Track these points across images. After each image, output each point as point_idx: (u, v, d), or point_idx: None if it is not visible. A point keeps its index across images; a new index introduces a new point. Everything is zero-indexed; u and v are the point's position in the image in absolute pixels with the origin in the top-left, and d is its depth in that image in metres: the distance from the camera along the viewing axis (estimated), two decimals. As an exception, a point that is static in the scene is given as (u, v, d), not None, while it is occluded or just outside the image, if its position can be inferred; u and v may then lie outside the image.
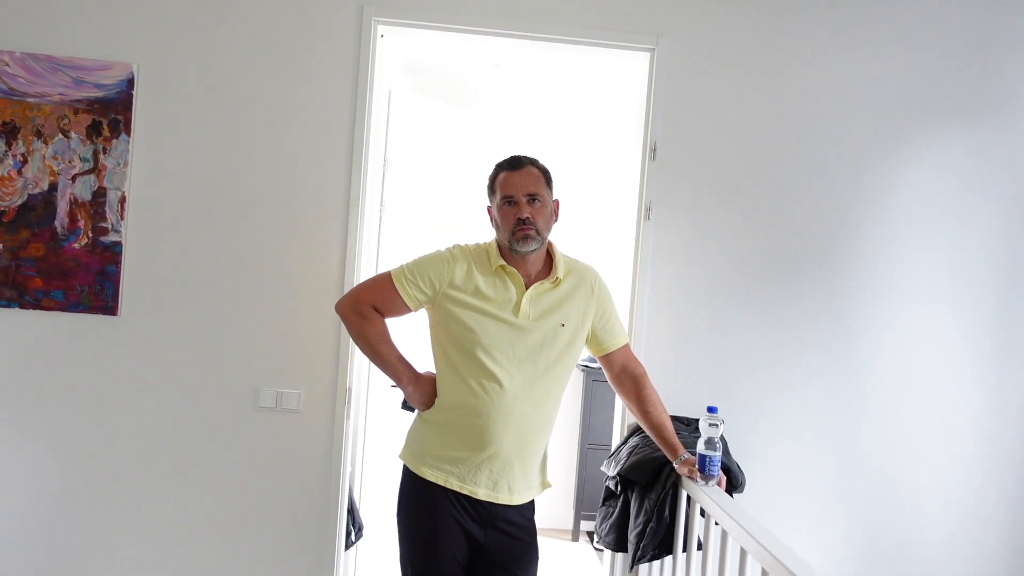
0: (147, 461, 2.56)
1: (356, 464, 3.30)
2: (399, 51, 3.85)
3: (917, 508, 2.77)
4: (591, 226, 4.34)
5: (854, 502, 2.75)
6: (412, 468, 2.05)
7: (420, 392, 2.08)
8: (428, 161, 4.45)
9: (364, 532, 2.97)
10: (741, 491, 2.45)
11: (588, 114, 4.35)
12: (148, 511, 2.56)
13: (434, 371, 2.10)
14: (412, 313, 2.11)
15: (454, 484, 2.00)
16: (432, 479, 2.01)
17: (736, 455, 2.60)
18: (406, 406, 2.15)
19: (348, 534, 2.75)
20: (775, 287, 2.72)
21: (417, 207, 4.35)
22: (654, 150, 2.64)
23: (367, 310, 2.06)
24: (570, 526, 4.44)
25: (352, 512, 3.09)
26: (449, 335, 2.03)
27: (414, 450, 2.08)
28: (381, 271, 2.15)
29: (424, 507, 2.01)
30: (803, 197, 2.74)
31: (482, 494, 1.99)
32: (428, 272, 2.04)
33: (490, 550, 2.01)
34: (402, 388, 2.09)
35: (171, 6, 2.53)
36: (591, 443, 4.30)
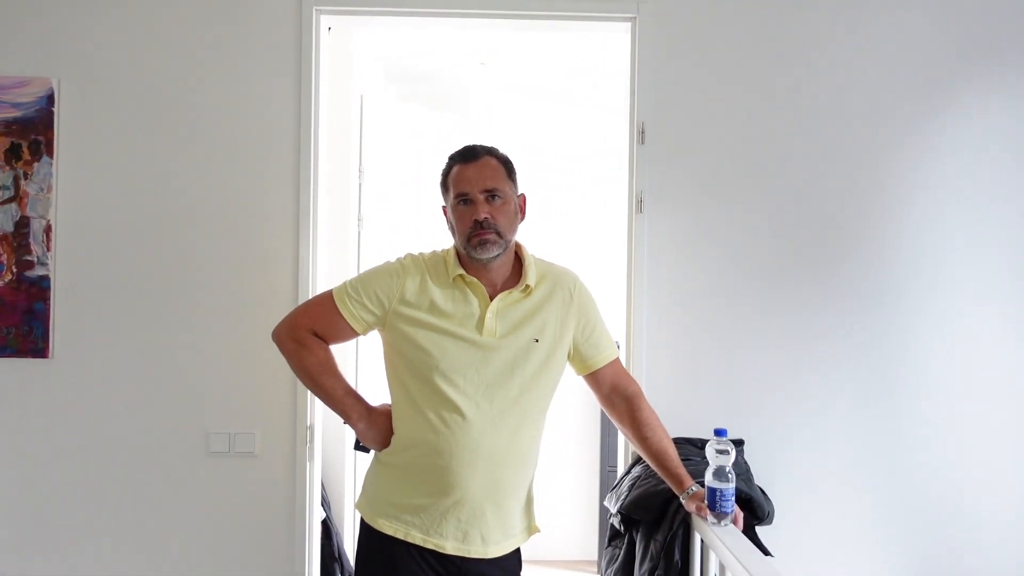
0: (86, 520, 2.29)
1: (343, 511, 3.01)
2: (374, 54, 3.59)
3: (981, 539, 2.36)
4: (588, 225, 4.06)
5: (904, 533, 2.36)
6: (367, 520, 1.76)
7: (374, 429, 1.79)
8: (421, 171, 4.19)
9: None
10: (769, 522, 2.08)
11: (581, 102, 4.05)
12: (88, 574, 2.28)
13: (390, 403, 1.79)
14: (362, 337, 1.82)
15: (416, 537, 1.70)
16: (390, 532, 1.71)
17: (761, 481, 2.23)
18: (360, 446, 1.85)
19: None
20: (796, 285, 2.36)
21: (412, 220, 4.07)
22: (642, 132, 2.31)
23: (306, 336, 1.78)
24: (595, 556, 4.08)
25: (342, 564, 2.80)
26: (403, 360, 1.74)
27: (370, 498, 1.79)
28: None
29: (382, 566, 1.72)
30: (823, 180, 2.37)
31: (450, 548, 1.69)
32: (374, 288, 1.75)
33: (464, 615, 1.69)
34: (352, 426, 1.80)
35: (91, 13, 2.29)
36: (611, 465, 3.93)
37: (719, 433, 1.71)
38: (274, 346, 1.82)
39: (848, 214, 2.38)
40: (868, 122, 2.37)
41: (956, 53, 2.38)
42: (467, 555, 1.69)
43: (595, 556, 4.08)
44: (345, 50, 3.01)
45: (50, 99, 2.25)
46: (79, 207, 2.28)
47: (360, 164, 3.22)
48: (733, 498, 1.69)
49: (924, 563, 2.38)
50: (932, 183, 2.38)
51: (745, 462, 2.25)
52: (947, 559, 2.38)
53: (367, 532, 1.75)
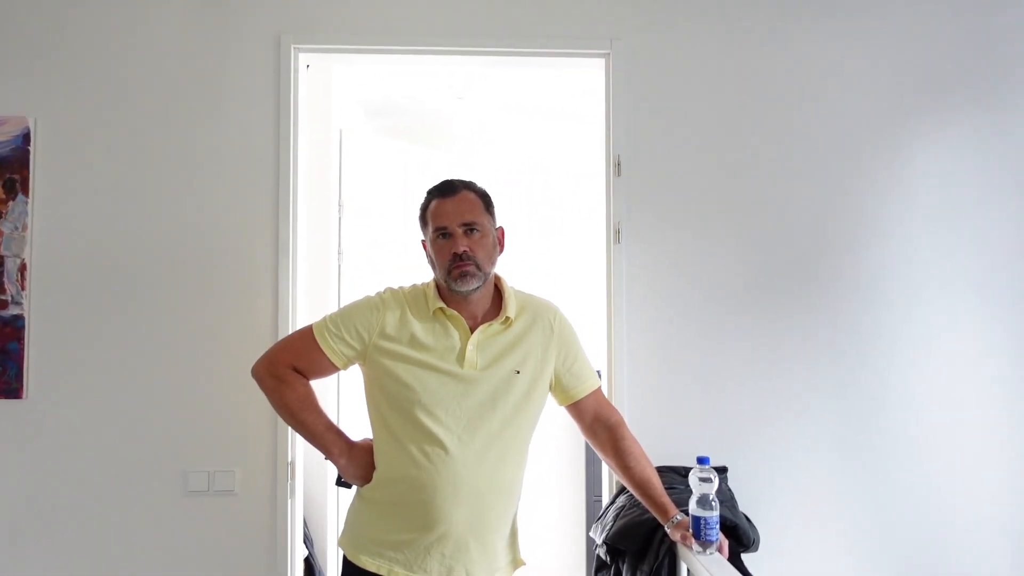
0: (62, 562, 2.24)
1: (325, 548, 2.96)
2: (352, 89, 3.62)
3: (967, 565, 2.37)
4: (567, 256, 4.10)
5: (892, 558, 2.36)
6: (350, 557, 1.74)
7: (355, 465, 1.77)
8: (401, 204, 4.21)
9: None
10: (755, 549, 2.07)
11: (558, 134, 4.12)
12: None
13: (371, 438, 1.78)
14: (343, 371, 1.81)
15: (399, 573, 1.68)
16: (373, 569, 1.69)
17: (746, 508, 2.23)
18: (341, 482, 1.83)
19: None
20: (775, 312, 2.38)
21: (392, 253, 4.08)
22: (618, 164, 2.34)
23: (286, 372, 1.76)
24: (582, 589, 4.03)
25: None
26: (384, 394, 1.73)
27: (352, 534, 1.77)
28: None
29: (365, 604, 1.69)
30: (796, 207, 2.41)
31: (434, 584, 1.66)
32: (354, 322, 1.75)
33: (449, 653, 1.67)
34: (334, 462, 1.79)
35: (69, 53, 2.30)
36: (596, 495, 3.91)
37: (702, 461, 1.71)
38: (254, 382, 1.80)
39: (824, 243, 2.41)
40: (840, 155, 2.42)
41: (918, 89, 2.44)
42: (451, 590, 1.67)
43: (582, 589, 4.04)
44: (324, 86, 3.04)
45: (26, 138, 2.25)
46: (54, 246, 2.26)
47: (340, 198, 3.23)
48: (718, 526, 1.68)
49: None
50: (906, 215, 2.41)
51: (729, 489, 2.25)
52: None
53: (350, 569, 1.73)
